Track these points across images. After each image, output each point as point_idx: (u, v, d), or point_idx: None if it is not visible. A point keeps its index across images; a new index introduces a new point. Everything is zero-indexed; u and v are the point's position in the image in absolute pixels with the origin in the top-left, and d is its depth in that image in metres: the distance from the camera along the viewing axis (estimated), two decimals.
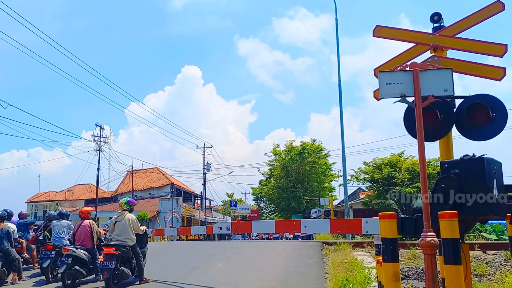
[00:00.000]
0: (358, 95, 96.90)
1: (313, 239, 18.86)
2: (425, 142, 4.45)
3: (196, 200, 55.64)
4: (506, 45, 5.27)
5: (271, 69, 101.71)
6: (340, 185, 40.33)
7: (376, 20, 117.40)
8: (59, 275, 8.36)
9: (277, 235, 38.46)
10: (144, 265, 8.36)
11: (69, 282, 8.11)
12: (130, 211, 8.49)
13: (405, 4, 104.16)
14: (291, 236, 35.27)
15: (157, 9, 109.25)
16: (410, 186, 22.92)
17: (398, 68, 4.59)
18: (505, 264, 7.40)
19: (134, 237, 8.10)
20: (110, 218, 8.83)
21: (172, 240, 23.17)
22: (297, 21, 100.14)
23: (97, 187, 36.67)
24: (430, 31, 5.87)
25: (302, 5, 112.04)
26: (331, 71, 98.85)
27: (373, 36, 6.28)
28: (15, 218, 10.66)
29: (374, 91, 6.01)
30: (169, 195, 45.48)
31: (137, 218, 8.53)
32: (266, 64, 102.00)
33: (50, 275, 8.82)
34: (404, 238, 10.89)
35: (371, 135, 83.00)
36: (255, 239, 36.32)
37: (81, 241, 8.72)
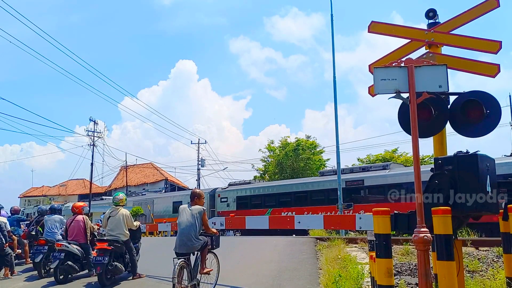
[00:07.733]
0: (350, 92, 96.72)
1: (308, 235, 18.91)
2: (419, 139, 4.46)
3: None
4: (501, 42, 5.28)
5: (264, 66, 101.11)
6: None
7: (368, 17, 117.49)
8: (52, 270, 8.33)
9: None
10: (137, 261, 8.34)
11: (61, 277, 8.09)
12: (123, 206, 8.45)
13: (396, 1, 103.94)
14: None
15: (147, 5, 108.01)
16: None
17: (393, 64, 4.58)
18: (497, 260, 7.45)
19: (128, 232, 8.06)
20: (104, 213, 8.79)
21: (166, 236, 23.12)
22: (288, 20, 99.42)
23: (90, 182, 36.52)
24: (425, 27, 5.87)
25: (293, 4, 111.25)
26: (324, 68, 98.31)
27: (368, 32, 6.27)
28: (5, 212, 10.57)
29: (369, 87, 6.01)
30: (163, 191, 45.38)
31: (130, 213, 8.50)
32: (258, 61, 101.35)
33: (43, 270, 8.77)
34: (403, 234, 10.92)
35: (364, 132, 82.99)
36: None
37: (74, 236, 8.68)
